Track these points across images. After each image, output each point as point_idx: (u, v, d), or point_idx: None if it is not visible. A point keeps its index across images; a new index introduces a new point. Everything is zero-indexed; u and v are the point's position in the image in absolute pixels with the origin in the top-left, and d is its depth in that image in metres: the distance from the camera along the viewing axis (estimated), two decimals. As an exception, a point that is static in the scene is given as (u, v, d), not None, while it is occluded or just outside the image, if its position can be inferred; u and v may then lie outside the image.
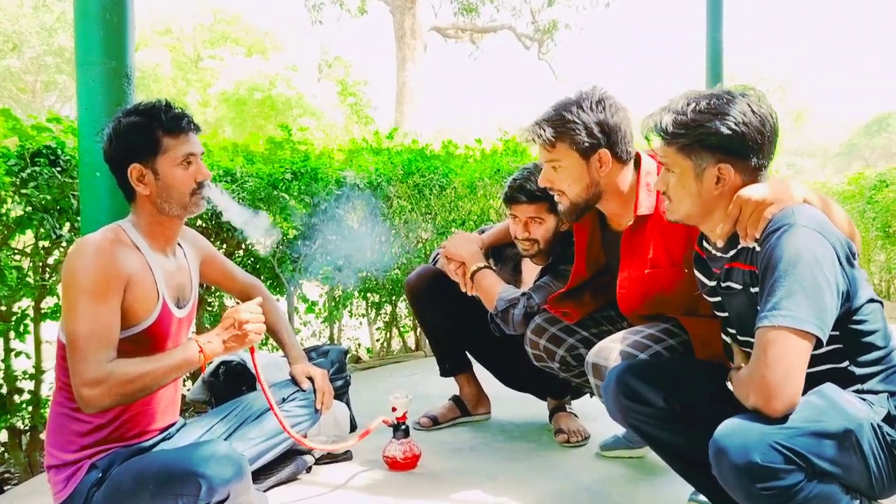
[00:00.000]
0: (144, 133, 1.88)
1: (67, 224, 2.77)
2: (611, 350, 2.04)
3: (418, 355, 4.49)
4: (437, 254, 2.88)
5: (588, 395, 2.66)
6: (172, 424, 2.10)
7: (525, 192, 2.53)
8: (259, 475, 2.19)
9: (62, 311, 1.80)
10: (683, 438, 1.74)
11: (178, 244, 2.08)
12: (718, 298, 1.78)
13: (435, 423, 2.94)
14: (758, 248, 1.58)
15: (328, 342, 4.23)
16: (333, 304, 4.15)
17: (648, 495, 2.26)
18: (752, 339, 1.67)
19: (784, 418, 1.41)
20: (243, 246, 3.65)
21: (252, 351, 2.03)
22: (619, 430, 2.58)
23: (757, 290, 1.59)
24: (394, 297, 4.46)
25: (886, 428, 1.48)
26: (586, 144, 2.07)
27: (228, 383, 2.59)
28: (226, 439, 2.14)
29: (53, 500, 1.86)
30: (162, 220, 1.95)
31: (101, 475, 1.83)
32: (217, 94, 23.16)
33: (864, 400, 1.52)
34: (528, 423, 2.99)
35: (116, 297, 1.78)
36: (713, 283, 1.79)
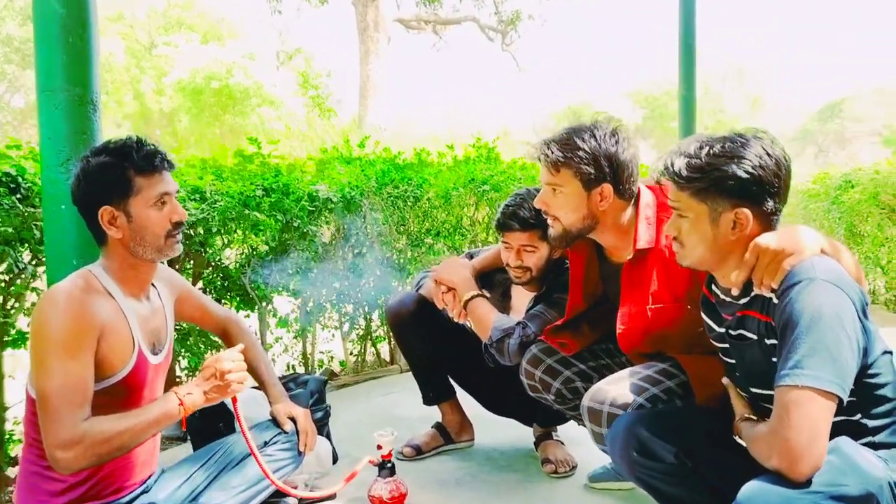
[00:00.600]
0: (115, 174, 1.77)
1: (29, 254, 2.61)
2: (606, 393, 1.97)
3: (394, 370, 4.40)
4: (422, 279, 2.79)
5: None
6: (150, 475, 2.00)
7: (518, 219, 2.45)
8: (241, 522, 2.10)
9: (32, 365, 1.68)
10: (690, 493, 1.69)
11: (152, 284, 1.97)
12: (727, 345, 1.73)
13: (418, 452, 2.85)
14: (775, 300, 1.53)
15: (300, 358, 4.12)
16: (306, 317, 4.03)
17: (641, 532, 2.23)
18: (761, 391, 1.64)
19: (807, 481, 1.37)
20: (212, 264, 3.52)
21: (234, 401, 1.93)
22: (607, 459, 2.53)
23: (772, 342, 1.55)
24: (366, 309, 4.36)
25: None
26: (591, 176, 2.00)
27: (203, 419, 2.48)
28: (206, 487, 2.05)
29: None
30: (136, 264, 1.84)
31: (75, 539, 1.72)
32: (173, 83, 22.52)
33: (879, 457, 1.49)
34: (513, 450, 2.92)
35: (90, 350, 1.68)
36: (722, 330, 1.74)
